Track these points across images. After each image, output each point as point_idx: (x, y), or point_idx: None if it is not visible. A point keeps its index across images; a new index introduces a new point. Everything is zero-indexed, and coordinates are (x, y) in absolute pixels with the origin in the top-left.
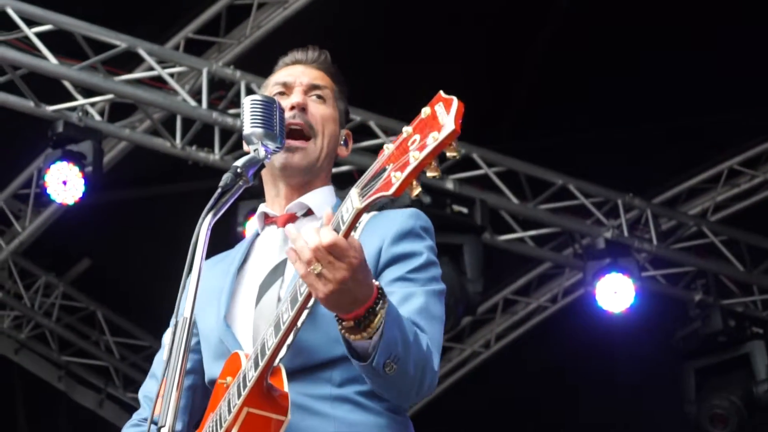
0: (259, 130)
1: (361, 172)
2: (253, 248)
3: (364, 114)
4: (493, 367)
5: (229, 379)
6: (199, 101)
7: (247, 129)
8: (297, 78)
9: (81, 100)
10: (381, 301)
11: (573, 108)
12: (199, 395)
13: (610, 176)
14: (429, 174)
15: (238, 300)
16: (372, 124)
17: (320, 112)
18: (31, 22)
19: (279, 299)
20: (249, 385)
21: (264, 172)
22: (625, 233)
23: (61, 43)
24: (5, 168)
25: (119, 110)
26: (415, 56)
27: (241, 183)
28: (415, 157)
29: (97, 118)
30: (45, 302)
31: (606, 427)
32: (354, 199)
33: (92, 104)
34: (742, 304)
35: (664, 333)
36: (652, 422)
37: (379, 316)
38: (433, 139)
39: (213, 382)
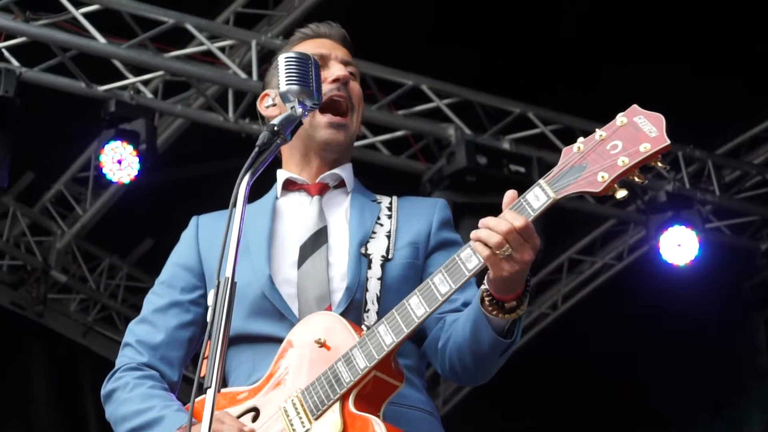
0: (295, 87)
1: (415, 136)
2: (278, 210)
3: (417, 78)
4: (561, 328)
5: (322, 338)
6: (250, 74)
7: (283, 86)
8: (332, 51)
9: (132, 79)
10: (529, 285)
11: (628, 62)
12: (194, 347)
13: (670, 129)
14: (637, 180)
15: (276, 259)
16: (424, 87)
17: (356, 89)
18: (78, 3)
19: (329, 264)
20: (386, 350)
21: (299, 134)
22: (687, 185)
23: (109, 22)
24: (64, 152)
25: (172, 88)
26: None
27: (278, 141)
28: (624, 162)
29: (149, 96)
30: (110, 284)
31: (677, 382)
32: (546, 189)
33: (144, 82)
34: None
35: (732, 284)
36: (723, 374)
37: (527, 298)
38: (645, 149)
39: (251, 337)
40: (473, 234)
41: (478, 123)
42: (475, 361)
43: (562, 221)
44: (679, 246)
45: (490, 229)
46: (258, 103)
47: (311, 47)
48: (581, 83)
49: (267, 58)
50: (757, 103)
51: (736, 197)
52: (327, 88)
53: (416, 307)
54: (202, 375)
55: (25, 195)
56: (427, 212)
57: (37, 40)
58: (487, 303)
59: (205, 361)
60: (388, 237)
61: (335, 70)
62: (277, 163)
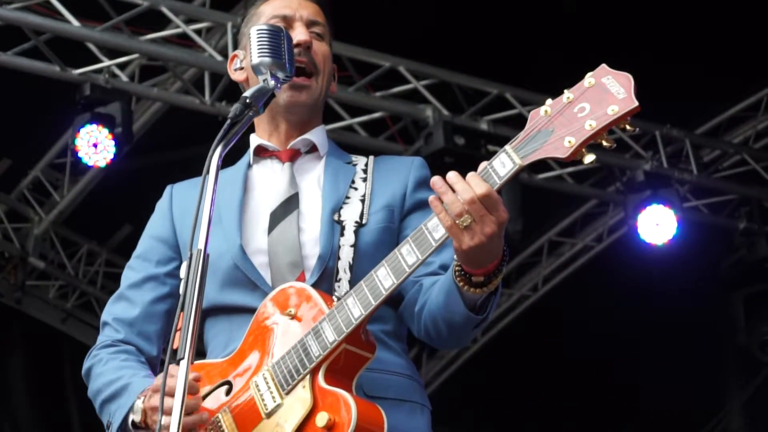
0: (267, 60)
1: (393, 117)
2: (250, 179)
3: (394, 59)
4: (542, 310)
5: (292, 310)
6: (226, 56)
7: (255, 59)
8: (296, 11)
9: (107, 62)
10: (505, 261)
11: (607, 45)
12: (171, 319)
13: (647, 109)
14: (605, 144)
15: (247, 228)
16: (402, 69)
17: (321, 50)
18: None
19: (299, 229)
20: (354, 323)
21: None
22: (665, 164)
23: (83, 5)
24: (41, 139)
25: (149, 73)
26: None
27: (251, 114)
28: (591, 126)
29: (125, 79)
30: (89, 270)
31: (658, 362)
32: (512, 155)
33: (120, 66)
34: None
35: (711, 263)
36: (703, 353)
37: (501, 274)
38: (613, 112)
39: (226, 308)
40: (432, 198)
41: (456, 104)
42: (449, 330)
43: (541, 203)
44: (658, 225)
45: (456, 193)
46: (228, 65)
47: (278, 5)
48: (559, 63)
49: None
50: (736, 83)
51: (714, 176)
52: None
53: (384, 278)
54: (174, 347)
55: (2, 182)
56: (403, 172)
57: (10, 23)
58: (457, 274)
59: (178, 333)
60: (363, 201)
61: (297, 33)
62: (251, 127)
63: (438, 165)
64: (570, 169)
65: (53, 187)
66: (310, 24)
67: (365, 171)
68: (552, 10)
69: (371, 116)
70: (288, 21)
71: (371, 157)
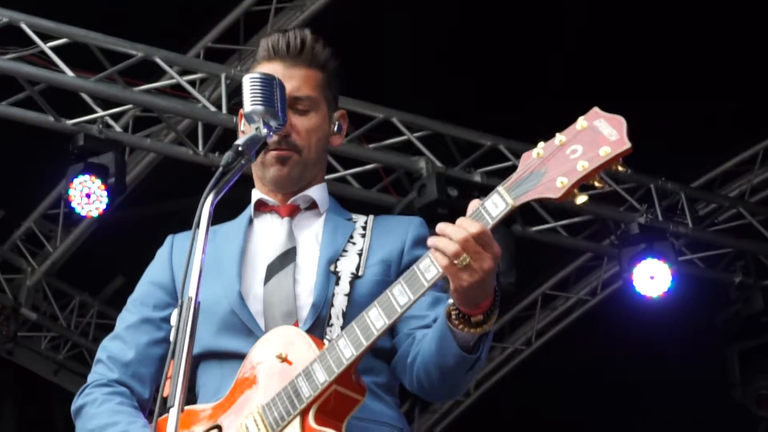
0: (260, 108)
1: (386, 169)
2: (251, 232)
3: (387, 111)
4: (535, 364)
5: (283, 353)
6: (220, 107)
7: (248, 107)
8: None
9: (101, 113)
10: (498, 298)
11: (600, 98)
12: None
13: (642, 162)
14: (597, 185)
15: (246, 277)
16: (395, 120)
17: (304, 126)
18: (45, 36)
19: (295, 281)
20: (345, 363)
21: (257, 164)
22: (660, 217)
23: (77, 56)
24: (34, 189)
25: (143, 124)
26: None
27: (243, 162)
28: (583, 166)
29: (118, 130)
30: (81, 322)
31: (653, 415)
32: (505, 196)
33: (114, 117)
34: None
35: (706, 316)
36: (697, 407)
37: (497, 311)
38: (605, 153)
39: (220, 353)
40: (430, 242)
41: (450, 156)
42: (442, 376)
43: (535, 256)
44: (652, 278)
45: (448, 237)
46: (238, 121)
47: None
48: (552, 115)
49: (237, 92)
50: (732, 137)
51: (709, 230)
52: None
53: (375, 319)
54: (165, 394)
55: None
56: (402, 230)
57: (5, 73)
58: (453, 317)
59: (168, 380)
60: (360, 255)
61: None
62: (252, 182)
63: (431, 216)
64: (564, 222)
65: (46, 238)
66: (291, 102)
67: (364, 228)
68: (544, 63)
69: (364, 168)
70: None
71: (371, 216)
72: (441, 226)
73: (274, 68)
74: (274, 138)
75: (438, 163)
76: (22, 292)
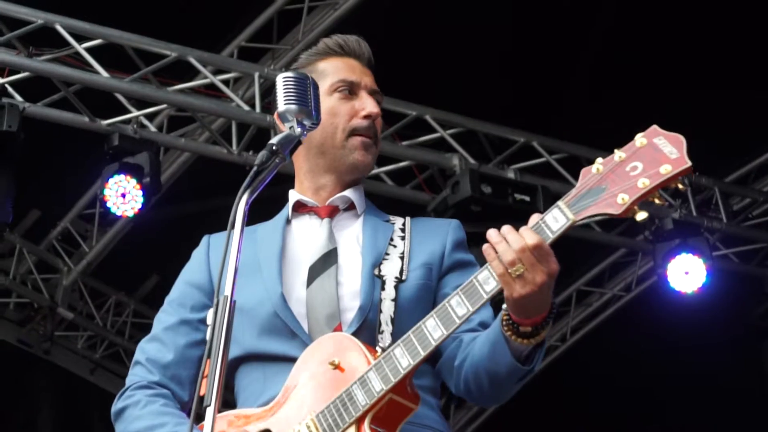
0: (294, 107)
1: (420, 166)
2: (289, 233)
3: (421, 108)
4: (571, 360)
5: (336, 360)
6: (253, 106)
7: (281, 106)
8: (361, 79)
9: (135, 113)
10: (553, 314)
11: (632, 94)
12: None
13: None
14: (657, 202)
15: (287, 278)
16: (428, 118)
17: (379, 119)
18: (80, 38)
19: (338, 283)
20: (402, 373)
21: (303, 159)
22: (694, 213)
23: (112, 56)
24: (70, 189)
25: (177, 123)
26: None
27: (277, 161)
28: (644, 184)
29: (153, 129)
30: (117, 321)
31: (688, 411)
32: (565, 210)
33: (148, 117)
34: None
35: (740, 312)
36: (733, 402)
37: (549, 326)
38: (665, 171)
39: (262, 356)
40: (492, 239)
41: (483, 153)
42: (491, 383)
43: (569, 253)
44: (687, 274)
45: (507, 243)
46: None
47: (341, 67)
48: (585, 110)
49: (270, 90)
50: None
51: (743, 224)
52: (357, 122)
53: (433, 329)
54: (201, 393)
55: (32, 233)
56: (441, 233)
57: (41, 75)
58: (504, 324)
59: (205, 379)
60: (402, 258)
61: (367, 104)
62: (291, 182)
63: (465, 213)
64: (598, 218)
65: (82, 238)
66: (373, 93)
67: (403, 230)
68: (577, 59)
69: (398, 165)
70: (354, 87)
71: (408, 218)
72: (505, 230)
73: (351, 63)
74: (364, 123)
75: (471, 160)
76: (58, 291)
